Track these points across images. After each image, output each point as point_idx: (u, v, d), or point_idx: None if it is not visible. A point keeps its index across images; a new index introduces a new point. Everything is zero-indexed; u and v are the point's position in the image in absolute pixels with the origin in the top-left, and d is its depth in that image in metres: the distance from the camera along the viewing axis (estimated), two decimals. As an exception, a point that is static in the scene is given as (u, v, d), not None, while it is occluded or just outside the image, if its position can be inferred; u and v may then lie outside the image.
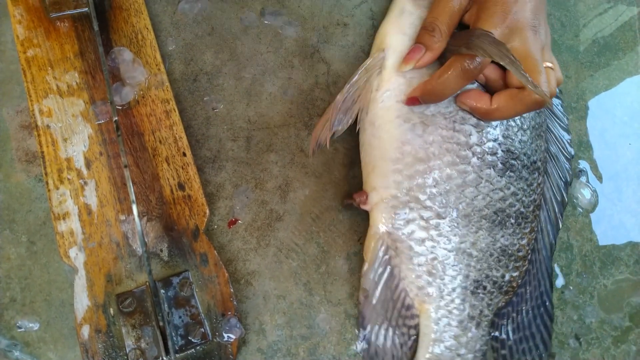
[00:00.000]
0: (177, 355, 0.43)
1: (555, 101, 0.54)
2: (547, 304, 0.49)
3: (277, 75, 0.54)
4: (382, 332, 0.46)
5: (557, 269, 0.53)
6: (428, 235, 0.46)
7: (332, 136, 0.47)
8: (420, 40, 0.46)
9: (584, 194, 0.55)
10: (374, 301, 0.46)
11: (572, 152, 0.53)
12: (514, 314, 0.48)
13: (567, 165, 0.52)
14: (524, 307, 0.48)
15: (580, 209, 0.55)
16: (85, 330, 0.42)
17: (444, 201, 0.45)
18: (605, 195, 0.56)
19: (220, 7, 0.55)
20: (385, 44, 0.49)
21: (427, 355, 0.46)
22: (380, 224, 0.46)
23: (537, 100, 0.42)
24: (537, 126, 0.50)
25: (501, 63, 0.40)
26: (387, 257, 0.46)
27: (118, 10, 0.50)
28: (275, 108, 0.53)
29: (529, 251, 0.48)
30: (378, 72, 0.48)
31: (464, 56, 0.42)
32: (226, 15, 0.55)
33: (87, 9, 0.49)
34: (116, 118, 0.40)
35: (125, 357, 0.42)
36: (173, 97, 0.49)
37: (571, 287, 0.53)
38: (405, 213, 0.46)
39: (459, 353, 0.46)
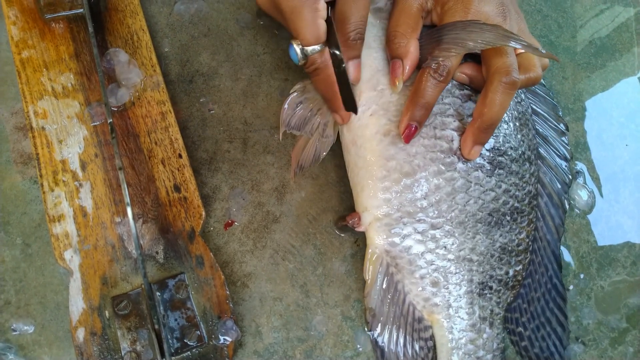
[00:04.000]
0: (173, 358, 0.43)
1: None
2: (558, 286, 0.49)
3: (273, 76, 0.54)
4: (400, 349, 0.46)
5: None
6: (426, 248, 0.45)
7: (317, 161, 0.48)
8: (391, 54, 0.45)
9: (581, 196, 0.55)
10: (384, 318, 0.46)
11: (564, 127, 0.52)
12: (526, 305, 0.48)
13: (564, 141, 0.52)
14: (534, 296, 0.49)
15: (577, 210, 0.55)
16: (81, 333, 0.42)
17: (436, 212, 0.45)
18: (602, 197, 0.56)
19: (216, 8, 0.55)
20: None
21: None
22: (377, 244, 0.46)
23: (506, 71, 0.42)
24: (520, 116, 0.49)
25: (480, 41, 0.41)
26: (388, 274, 0.46)
27: (113, 12, 0.50)
28: (272, 109, 0.53)
29: (529, 243, 0.48)
30: None
31: (430, 62, 0.43)
32: (222, 16, 0.55)
33: (82, 10, 0.49)
34: (111, 120, 0.40)
35: (121, 360, 0.42)
36: (169, 98, 0.49)
37: (570, 288, 0.52)
38: (400, 229, 0.45)
39: (478, 356, 0.46)
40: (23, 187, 0.47)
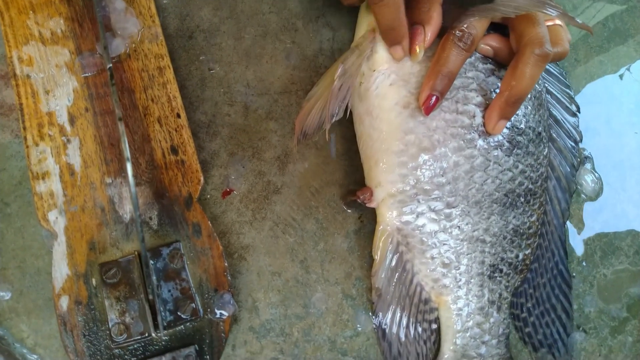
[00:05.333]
0: (165, 332, 0.39)
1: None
2: (564, 272, 0.48)
3: (279, 38, 0.50)
4: (403, 330, 0.44)
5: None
6: (439, 227, 0.43)
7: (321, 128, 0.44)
8: (412, 19, 0.42)
9: (588, 181, 0.54)
10: (389, 298, 0.44)
11: (576, 109, 0.51)
12: (531, 290, 0.47)
13: (575, 123, 0.50)
14: (540, 281, 0.47)
15: (583, 196, 0.54)
16: (64, 302, 0.39)
17: (453, 190, 0.43)
18: (609, 184, 0.55)
19: (220, -40, 0.51)
20: (373, 25, 0.44)
21: (452, 347, 0.44)
22: (388, 221, 0.43)
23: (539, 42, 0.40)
24: (537, 95, 0.48)
25: (514, 6, 0.39)
26: (398, 253, 0.44)
27: (110, -46, 0.46)
28: (276, 73, 0.49)
29: (539, 226, 0.47)
30: (369, 56, 0.44)
31: (453, 28, 0.40)
32: (227, -31, 0.51)
33: (75, -51, 0.44)
34: (110, 65, 0.36)
35: (108, 332, 0.39)
36: (167, 53, 0.45)
37: (573, 275, 0.51)
38: (414, 207, 0.43)
39: (483, 340, 0.44)
40: (3, 141, 0.43)
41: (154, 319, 0.39)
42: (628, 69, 0.59)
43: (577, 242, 0.53)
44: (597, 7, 0.60)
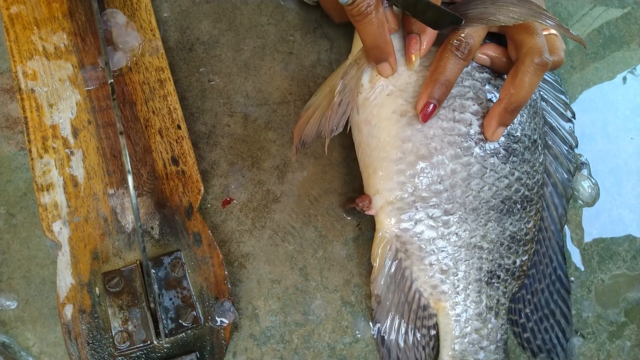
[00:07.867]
0: (166, 340, 0.40)
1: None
2: (562, 277, 0.48)
3: (277, 49, 0.51)
4: (402, 336, 0.44)
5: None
6: (437, 234, 0.44)
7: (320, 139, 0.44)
8: (408, 29, 0.43)
9: (585, 187, 0.55)
10: (388, 305, 0.44)
11: (570, 115, 0.52)
12: (529, 296, 0.47)
13: (570, 129, 0.51)
14: (538, 287, 0.48)
15: (580, 202, 0.54)
16: (68, 310, 0.40)
17: (450, 197, 0.44)
18: (605, 189, 0.55)
19: (219, -26, 0.52)
20: None
21: (450, 353, 0.44)
22: (387, 228, 0.44)
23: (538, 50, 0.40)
24: (533, 103, 0.48)
25: (512, 15, 0.39)
26: (397, 260, 0.44)
27: (111, -30, 0.47)
28: (275, 83, 0.50)
29: (536, 232, 0.47)
30: (368, 70, 0.45)
31: (450, 37, 0.41)
32: (226, -18, 0.52)
33: (78, -35, 0.45)
34: (111, 80, 0.37)
35: (111, 340, 0.39)
36: (168, 65, 0.46)
37: (571, 280, 0.52)
38: (412, 214, 0.44)
39: (481, 346, 0.45)
40: (8, 154, 0.44)
41: (156, 327, 0.40)
42: (631, 72, 0.60)
43: (574, 248, 0.53)
44: (592, 15, 0.61)
